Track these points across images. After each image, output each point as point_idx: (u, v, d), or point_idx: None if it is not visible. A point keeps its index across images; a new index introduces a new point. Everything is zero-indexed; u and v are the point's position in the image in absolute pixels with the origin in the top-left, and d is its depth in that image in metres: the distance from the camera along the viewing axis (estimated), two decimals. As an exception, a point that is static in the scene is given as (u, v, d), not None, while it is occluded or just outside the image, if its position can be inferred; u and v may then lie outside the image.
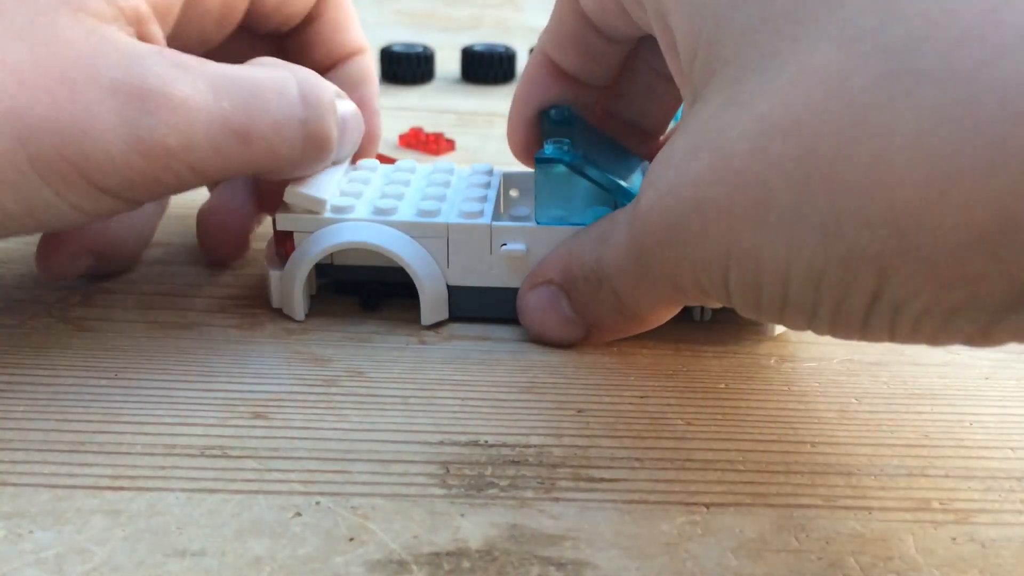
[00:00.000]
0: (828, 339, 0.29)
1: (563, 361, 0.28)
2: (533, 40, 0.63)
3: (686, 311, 0.29)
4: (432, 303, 0.29)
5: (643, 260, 0.23)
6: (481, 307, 0.29)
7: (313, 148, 0.27)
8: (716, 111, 0.20)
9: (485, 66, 0.54)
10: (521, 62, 0.62)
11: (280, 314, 0.29)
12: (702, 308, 0.29)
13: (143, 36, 0.26)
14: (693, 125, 0.21)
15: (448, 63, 0.56)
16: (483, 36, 0.64)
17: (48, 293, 0.30)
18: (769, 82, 0.19)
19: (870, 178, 0.17)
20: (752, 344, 0.29)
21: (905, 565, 0.20)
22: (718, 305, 0.24)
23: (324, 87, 0.27)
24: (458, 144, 0.45)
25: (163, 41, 0.27)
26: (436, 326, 0.29)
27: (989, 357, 0.29)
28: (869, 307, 0.19)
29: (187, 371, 0.26)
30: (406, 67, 0.53)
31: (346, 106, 0.28)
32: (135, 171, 0.24)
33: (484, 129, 0.47)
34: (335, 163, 0.29)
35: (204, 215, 0.32)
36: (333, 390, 0.26)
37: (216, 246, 0.32)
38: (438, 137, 0.44)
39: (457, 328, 0.29)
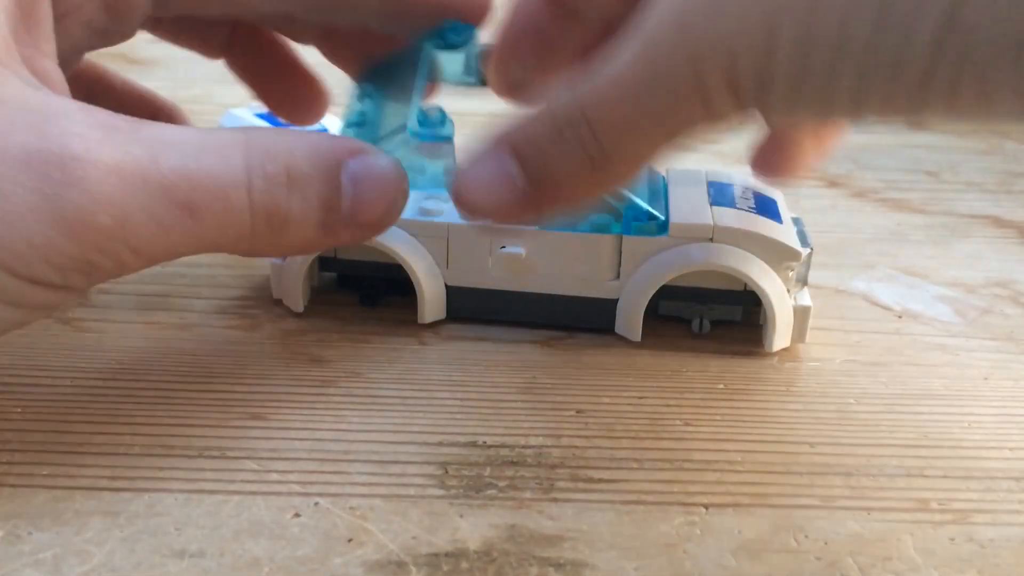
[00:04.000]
0: (827, 340, 0.29)
1: (561, 362, 0.28)
2: (532, 41, 0.63)
3: (685, 323, 0.29)
4: (430, 302, 0.29)
5: (660, 58, 0.20)
6: (479, 308, 0.29)
7: (265, 226, 0.22)
8: None
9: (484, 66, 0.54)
10: (520, 63, 0.62)
11: (279, 315, 0.29)
12: (701, 320, 0.29)
13: (38, 72, 0.22)
14: None
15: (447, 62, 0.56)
16: (482, 36, 0.64)
17: (46, 294, 0.30)
18: None
19: None
20: (751, 344, 0.29)
21: (904, 565, 0.20)
22: (730, 118, 0.20)
23: (285, 154, 0.22)
24: (458, 144, 0.45)
25: (56, 67, 0.23)
26: (435, 327, 0.29)
27: (988, 357, 0.29)
28: (941, 36, 0.16)
29: (186, 372, 0.26)
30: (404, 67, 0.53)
31: (363, 164, 0.23)
32: (64, 256, 0.20)
33: (483, 129, 0.47)
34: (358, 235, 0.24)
35: None
36: (331, 391, 0.26)
37: None
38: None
39: (456, 329, 0.29)
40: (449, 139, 0.28)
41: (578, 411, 0.25)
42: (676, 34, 0.19)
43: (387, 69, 0.30)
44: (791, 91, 0.18)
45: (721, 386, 0.27)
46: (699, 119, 0.20)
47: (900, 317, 0.31)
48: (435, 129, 0.27)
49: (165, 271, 0.32)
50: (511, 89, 0.28)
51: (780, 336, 0.28)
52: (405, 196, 0.24)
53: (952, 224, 0.38)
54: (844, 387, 0.27)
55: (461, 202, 0.23)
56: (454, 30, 0.28)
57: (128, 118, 0.21)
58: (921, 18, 0.16)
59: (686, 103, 0.20)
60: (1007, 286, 0.33)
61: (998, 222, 0.38)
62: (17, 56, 0.21)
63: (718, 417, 0.25)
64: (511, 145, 0.23)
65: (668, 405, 0.26)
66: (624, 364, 0.28)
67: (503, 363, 0.27)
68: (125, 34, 0.28)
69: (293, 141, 0.22)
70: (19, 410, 0.24)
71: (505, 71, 0.28)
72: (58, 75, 0.23)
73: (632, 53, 0.20)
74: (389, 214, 0.24)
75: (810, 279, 0.29)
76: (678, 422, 0.25)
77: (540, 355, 0.28)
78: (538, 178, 0.22)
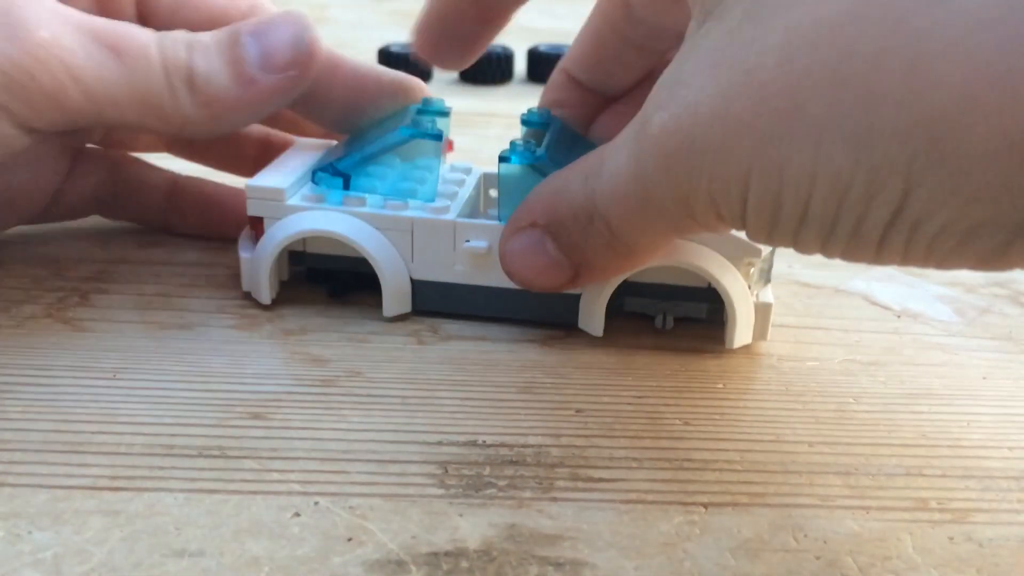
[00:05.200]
0: (827, 339, 0.29)
1: (561, 361, 0.28)
2: (531, 41, 0.64)
3: (649, 319, 0.30)
4: (394, 295, 0.29)
5: (651, 184, 0.22)
6: (444, 302, 0.29)
7: (178, 82, 0.26)
8: (735, 27, 0.20)
9: (483, 67, 0.54)
10: (519, 63, 0.62)
11: (279, 315, 0.29)
12: (664, 316, 0.29)
13: None
14: (707, 44, 0.20)
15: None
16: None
17: (47, 294, 0.30)
18: None
19: (906, 86, 0.17)
20: (750, 344, 0.29)
21: (903, 565, 0.20)
22: (724, 230, 0.23)
23: (187, 33, 0.27)
24: (456, 144, 0.45)
25: None
26: (434, 327, 0.29)
27: (987, 357, 0.29)
28: (889, 223, 0.18)
29: (185, 371, 0.26)
30: (404, 67, 0.53)
31: (261, 23, 0.28)
32: (4, 59, 0.24)
33: (482, 129, 0.47)
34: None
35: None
36: (331, 390, 0.26)
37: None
38: (436, 137, 0.44)
39: (455, 328, 0.29)
40: (439, 136, 0.28)
41: (577, 410, 0.25)
42: (664, 175, 0.21)
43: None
44: (765, 235, 0.21)
45: (720, 385, 0.27)
46: (698, 230, 0.23)
47: (899, 316, 0.31)
48: (432, 119, 0.29)
49: (165, 271, 0.32)
50: (434, 61, 0.32)
51: (741, 333, 0.28)
52: (309, 30, 0.28)
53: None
54: (843, 386, 0.27)
55: (507, 271, 0.27)
56: (429, 125, 0.29)
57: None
58: (875, 206, 0.18)
59: (682, 222, 0.22)
60: (1006, 285, 0.33)
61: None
62: None
63: (717, 416, 0.25)
64: (544, 226, 0.26)
65: (667, 405, 0.26)
66: (623, 363, 0.28)
67: (503, 363, 0.27)
68: None
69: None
70: (19, 409, 0.24)
71: (427, 48, 0.31)
72: None
73: (628, 172, 0.23)
74: (301, 52, 0.28)
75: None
76: (677, 421, 0.25)
77: (540, 355, 0.28)
78: (570, 255, 0.25)
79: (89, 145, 0.34)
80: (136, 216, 0.35)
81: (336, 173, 0.29)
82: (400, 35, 0.63)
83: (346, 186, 0.29)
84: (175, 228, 0.34)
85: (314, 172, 0.29)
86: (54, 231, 0.35)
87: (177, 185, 0.34)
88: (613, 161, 0.23)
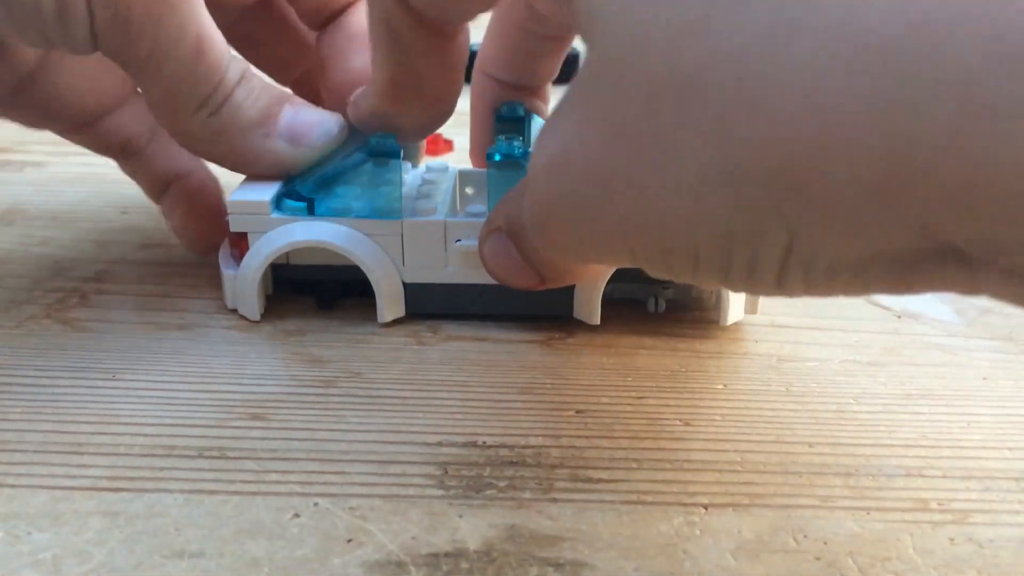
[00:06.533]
0: (827, 340, 0.29)
1: (561, 362, 0.28)
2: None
3: (641, 303, 0.30)
4: (389, 300, 0.29)
5: (545, 228, 0.22)
6: (437, 303, 0.29)
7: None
8: (605, 63, 0.19)
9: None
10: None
11: (279, 315, 0.29)
12: (656, 299, 0.30)
13: None
14: (577, 88, 0.20)
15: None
16: (481, 37, 0.64)
17: (46, 294, 0.30)
18: (648, 36, 0.18)
19: (759, 132, 0.17)
20: (750, 344, 0.29)
21: (903, 565, 0.20)
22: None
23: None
24: (456, 144, 0.45)
25: None
26: (434, 327, 0.29)
27: (987, 357, 0.29)
28: (782, 263, 0.18)
29: (185, 372, 0.26)
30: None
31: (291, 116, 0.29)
32: None
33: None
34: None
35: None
36: (331, 391, 0.26)
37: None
38: (436, 137, 0.44)
39: (455, 329, 0.29)
40: (397, 154, 0.28)
41: (578, 411, 0.25)
42: (557, 219, 0.21)
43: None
44: (663, 276, 0.20)
45: (720, 386, 0.27)
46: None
47: (899, 317, 0.31)
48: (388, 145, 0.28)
49: (165, 271, 0.32)
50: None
51: (733, 309, 0.29)
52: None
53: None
54: (843, 387, 0.27)
55: (486, 270, 0.27)
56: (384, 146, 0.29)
57: None
58: (763, 248, 0.18)
59: (587, 258, 0.22)
60: (1006, 286, 0.33)
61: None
62: None
63: (717, 417, 0.25)
64: (507, 231, 0.26)
65: (667, 405, 0.26)
66: (623, 364, 0.28)
67: (503, 363, 0.27)
68: None
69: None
70: (18, 409, 0.24)
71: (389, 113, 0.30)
72: None
73: (529, 206, 0.22)
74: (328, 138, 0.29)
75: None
76: (677, 422, 0.25)
77: (540, 355, 0.28)
78: (530, 261, 0.25)
79: None
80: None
81: (300, 198, 0.28)
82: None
83: (311, 211, 0.28)
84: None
85: (278, 198, 0.29)
86: (54, 231, 0.35)
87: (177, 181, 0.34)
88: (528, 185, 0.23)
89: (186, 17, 0.26)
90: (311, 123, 0.29)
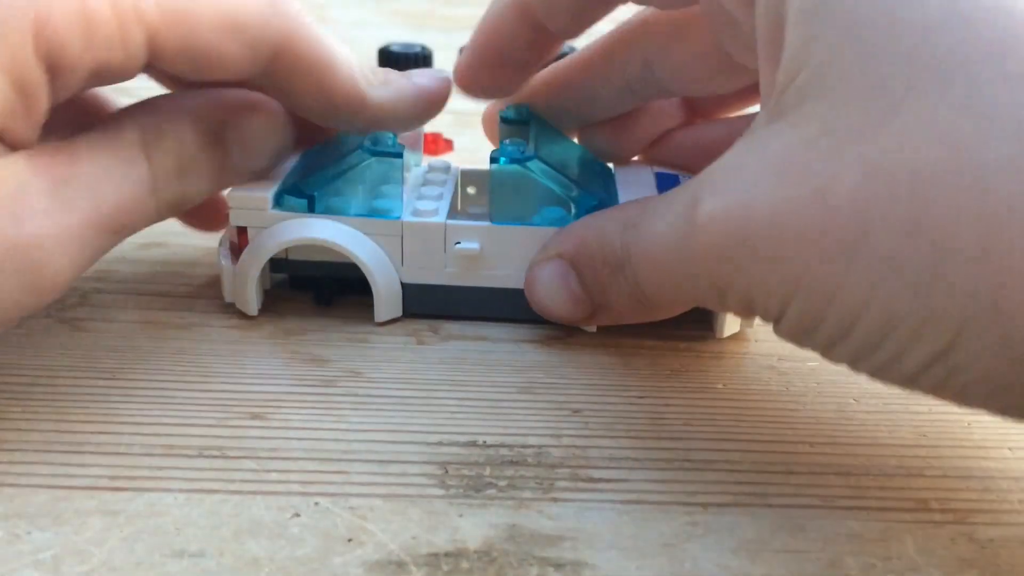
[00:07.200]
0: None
1: (561, 361, 0.28)
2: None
3: None
4: (386, 300, 0.29)
5: (690, 266, 0.22)
6: (435, 305, 0.29)
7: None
8: (810, 139, 0.19)
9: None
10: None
11: (279, 315, 0.29)
12: None
13: None
14: (775, 145, 0.20)
15: (446, 63, 0.56)
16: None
17: (46, 294, 0.30)
18: (879, 124, 0.18)
19: (983, 249, 0.17)
20: (750, 344, 0.29)
21: (903, 565, 0.20)
22: (749, 319, 0.25)
23: None
24: (456, 144, 0.45)
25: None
26: (434, 327, 0.29)
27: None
28: (929, 364, 0.18)
29: (185, 372, 0.26)
30: (404, 67, 0.52)
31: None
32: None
33: (481, 129, 0.47)
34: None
35: None
36: (331, 390, 0.26)
37: None
38: (436, 137, 0.44)
39: (455, 328, 0.29)
40: (399, 153, 0.28)
41: (578, 411, 0.25)
42: (704, 263, 0.21)
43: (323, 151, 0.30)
44: (796, 341, 0.21)
45: (720, 386, 0.27)
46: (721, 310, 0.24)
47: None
48: (387, 147, 0.28)
49: (165, 271, 0.32)
50: (478, 92, 0.31)
51: (730, 321, 0.28)
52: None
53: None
54: (843, 386, 0.27)
55: (528, 296, 0.28)
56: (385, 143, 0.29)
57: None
58: (919, 346, 0.18)
59: (708, 302, 0.23)
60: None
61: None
62: None
63: (718, 417, 0.25)
64: (572, 260, 0.26)
65: (668, 405, 0.26)
66: (624, 363, 0.28)
67: (503, 363, 0.27)
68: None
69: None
70: (18, 409, 0.24)
71: (475, 77, 0.30)
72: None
73: (668, 243, 0.23)
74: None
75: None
76: (678, 422, 0.25)
77: (540, 355, 0.28)
78: (592, 294, 0.26)
79: None
80: None
81: (301, 195, 0.28)
82: (400, 35, 0.63)
83: (311, 208, 0.28)
84: None
85: (277, 195, 0.28)
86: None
87: None
88: (655, 223, 0.24)
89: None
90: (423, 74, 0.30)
